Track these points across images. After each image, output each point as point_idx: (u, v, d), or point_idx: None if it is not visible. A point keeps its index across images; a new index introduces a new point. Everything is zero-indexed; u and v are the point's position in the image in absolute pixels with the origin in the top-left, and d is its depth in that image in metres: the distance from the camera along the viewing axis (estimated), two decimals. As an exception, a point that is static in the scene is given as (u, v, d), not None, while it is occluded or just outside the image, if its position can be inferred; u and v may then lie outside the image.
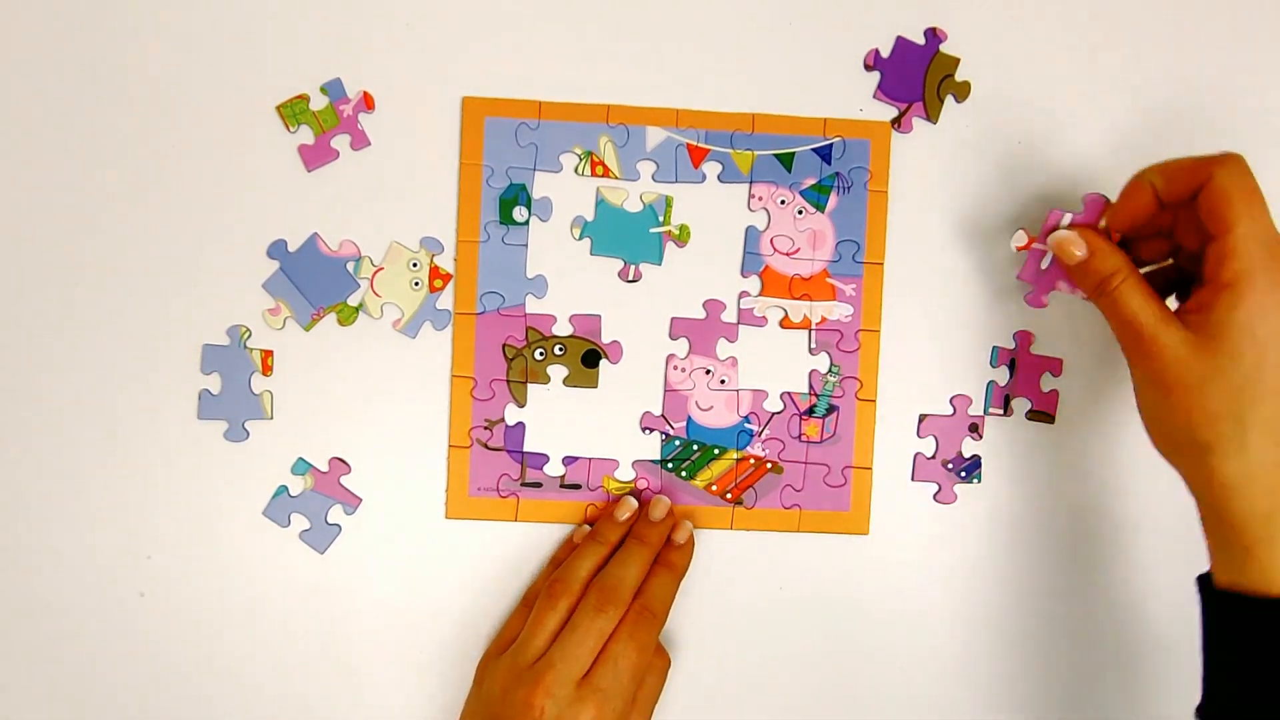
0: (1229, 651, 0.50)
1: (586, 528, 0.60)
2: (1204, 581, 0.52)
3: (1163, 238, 0.54)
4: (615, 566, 0.57)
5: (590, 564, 0.57)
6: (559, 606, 0.55)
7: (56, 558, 0.60)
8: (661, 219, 0.61)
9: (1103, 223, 0.55)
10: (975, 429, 0.62)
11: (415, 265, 0.60)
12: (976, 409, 0.62)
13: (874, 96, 0.61)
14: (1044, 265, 0.58)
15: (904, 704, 0.63)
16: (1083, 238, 0.53)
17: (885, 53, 0.61)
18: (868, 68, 0.61)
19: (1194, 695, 0.52)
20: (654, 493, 0.61)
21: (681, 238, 0.61)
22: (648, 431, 0.61)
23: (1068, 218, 0.56)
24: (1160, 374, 0.50)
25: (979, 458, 0.62)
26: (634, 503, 0.60)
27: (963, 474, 0.62)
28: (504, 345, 0.61)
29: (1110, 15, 0.62)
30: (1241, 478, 0.48)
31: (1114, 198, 0.54)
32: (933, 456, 0.62)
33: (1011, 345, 0.62)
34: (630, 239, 0.61)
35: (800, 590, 0.62)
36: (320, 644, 0.61)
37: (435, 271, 0.60)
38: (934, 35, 0.61)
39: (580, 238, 0.61)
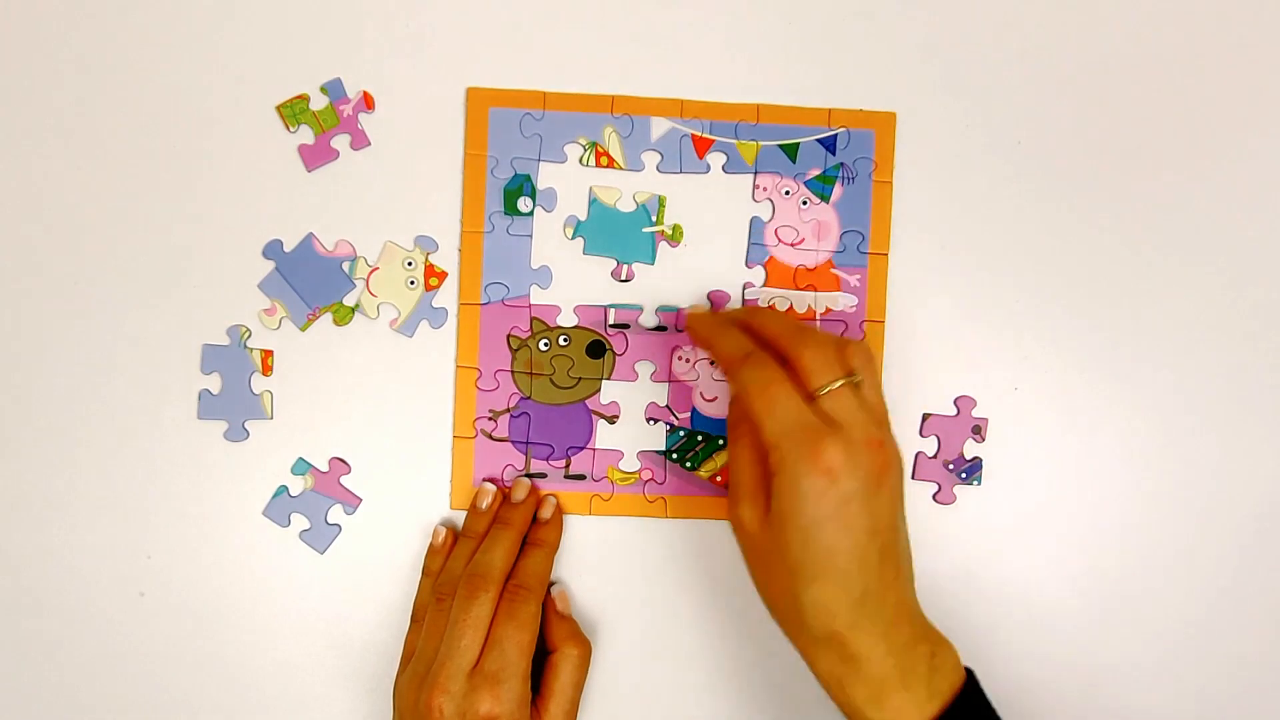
0: None
1: (443, 529, 0.60)
2: None
3: None
4: (481, 553, 0.57)
5: (465, 559, 0.57)
6: (445, 607, 0.56)
7: (56, 558, 0.59)
8: (654, 219, 0.61)
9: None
10: (978, 431, 0.62)
11: (410, 264, 0.60)
12: (980, 411, 0.62)
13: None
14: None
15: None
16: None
17: None
18: None
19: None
20: (658, 485, 0.61)
21: (674, 238, 0.61)
22: (652, 422, 0.61)
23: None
24: (742, 542, 0.52)
25: (980, 460, 0.62)
26: (492, 488, 0.60)
27: (963, 475, 0.62)
28: (508, 336, 0.60)
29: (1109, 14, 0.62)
30: (815, 655, 0.50)
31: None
32: (934, 456, 0.62)
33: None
34: (622, 239, 0.61)
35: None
36: (320, 644, 0.60)
37: (430, 270, 0.60)
38: None
39: (573, 237, 0.61)
